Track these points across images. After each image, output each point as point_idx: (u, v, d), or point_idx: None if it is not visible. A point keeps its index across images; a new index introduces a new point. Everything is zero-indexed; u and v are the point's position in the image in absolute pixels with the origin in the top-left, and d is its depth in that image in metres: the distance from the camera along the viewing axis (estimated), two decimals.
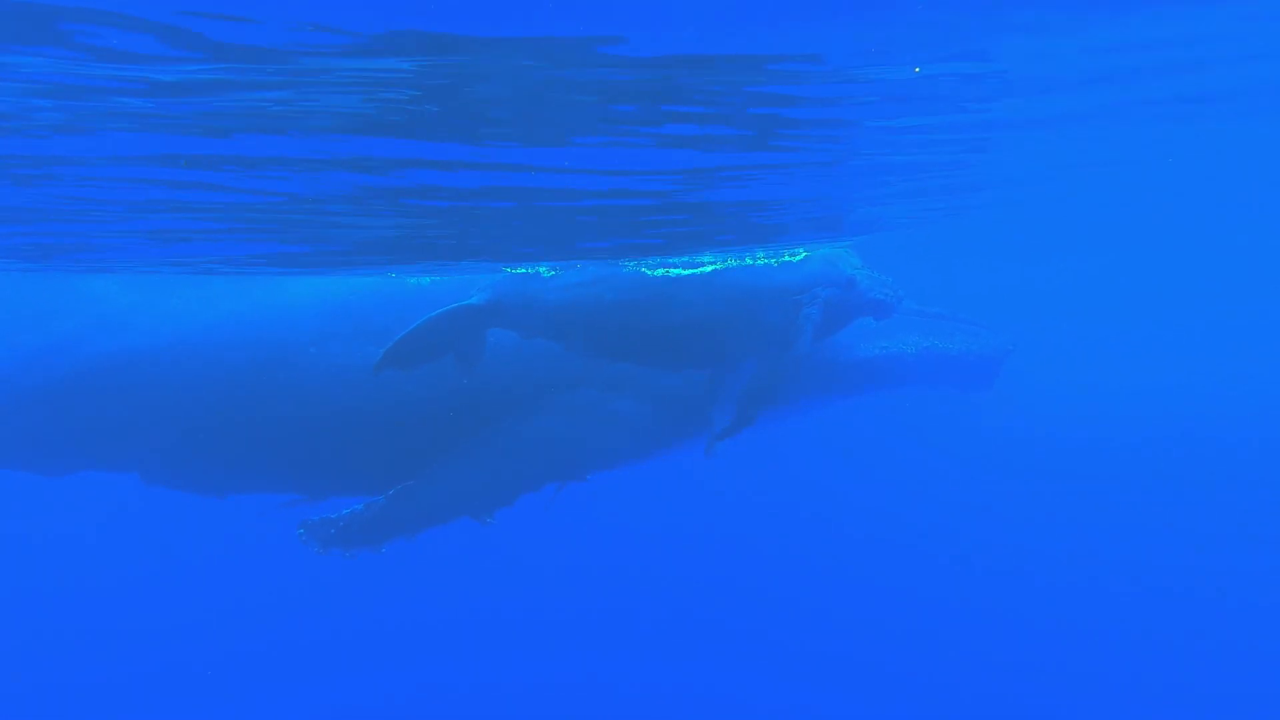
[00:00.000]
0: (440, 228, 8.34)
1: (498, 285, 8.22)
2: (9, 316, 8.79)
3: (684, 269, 8.56)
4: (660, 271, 8.43)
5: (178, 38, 3.65)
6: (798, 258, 8.67)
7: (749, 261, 8.67)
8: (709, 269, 8.52)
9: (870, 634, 18.11)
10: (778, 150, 6.73)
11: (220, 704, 17.47)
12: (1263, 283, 43.13)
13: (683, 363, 8.60)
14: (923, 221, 12.70)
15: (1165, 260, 32.68)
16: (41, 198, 6.66)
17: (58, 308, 8.74)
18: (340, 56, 4.00)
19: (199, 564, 22.75)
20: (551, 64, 4.33)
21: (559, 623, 19.19)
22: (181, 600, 21.36)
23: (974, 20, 4.37)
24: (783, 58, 4.62)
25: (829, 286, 8.34)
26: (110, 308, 8.69)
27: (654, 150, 6.28)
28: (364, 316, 8.53)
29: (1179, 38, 5.32)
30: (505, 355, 8.54)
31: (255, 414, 8.35)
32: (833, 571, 21.33)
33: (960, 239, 19.23)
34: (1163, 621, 18.23)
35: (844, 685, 16.42)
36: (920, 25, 4.31)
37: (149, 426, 8.31)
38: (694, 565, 21.60)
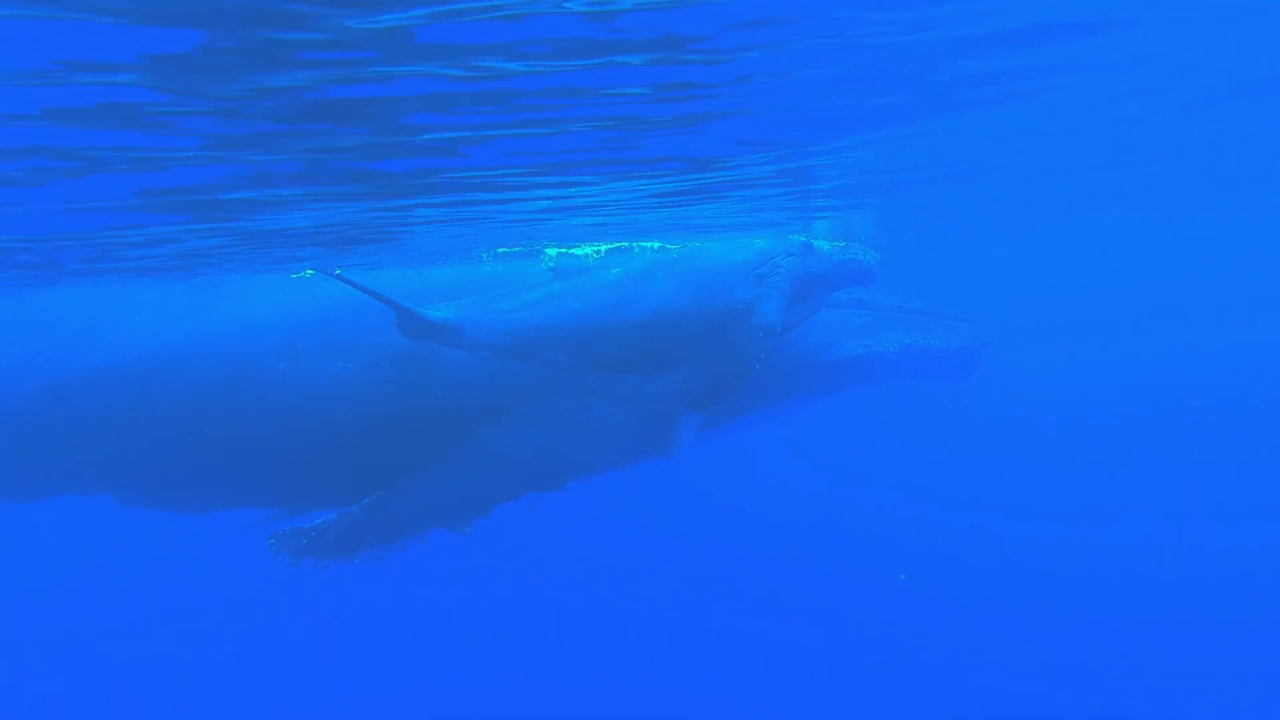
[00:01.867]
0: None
1: (461, 307, 8.06)
2: None
3: (639, 256, 8.47)
4: (618, 271, 8.31)
5: None
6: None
7: (701, 245, 8.62)
8: (666, 255, 8.45)
9: (861, 626, 18.12)
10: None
11: (221, 704, 17.55)
12: (1240, 263, 43.04)
13: (663, 362, 8.46)
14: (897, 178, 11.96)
15: (1142, 242, 32.60)
16: None
17: (20, 327, 8.62)
18: None
19: (183, 566, 22.82)
20: None
21: (548, 620, 19.23)
22: (169, 604, 21.44)
23: None
24: None
25: (787, 255, 8.40)
26: (75, 326, 8.56)
27: None
28: (332, 329, 8.42)
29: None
30: (481, 365, 8.42)
31: (226, 430, 8.22)
32: (821, 564, 21.33)
33: (936, 225, 19.08)
34: (1151, 604, 18.25)
35: (836, 680, 16.45)
36: None
37: (118, 447, 8.19)
38: (685, 562, 21.60)
